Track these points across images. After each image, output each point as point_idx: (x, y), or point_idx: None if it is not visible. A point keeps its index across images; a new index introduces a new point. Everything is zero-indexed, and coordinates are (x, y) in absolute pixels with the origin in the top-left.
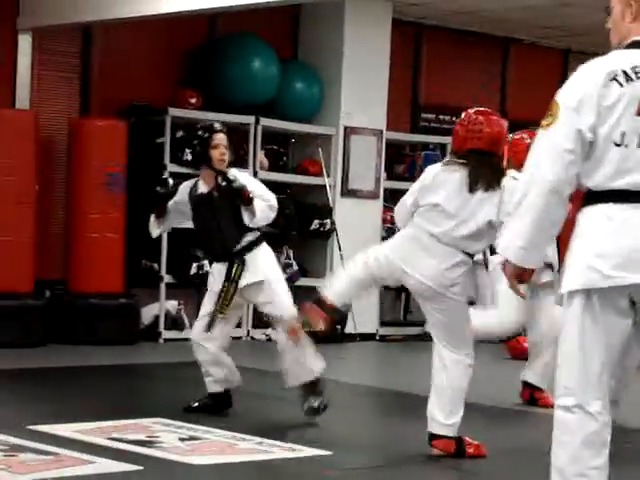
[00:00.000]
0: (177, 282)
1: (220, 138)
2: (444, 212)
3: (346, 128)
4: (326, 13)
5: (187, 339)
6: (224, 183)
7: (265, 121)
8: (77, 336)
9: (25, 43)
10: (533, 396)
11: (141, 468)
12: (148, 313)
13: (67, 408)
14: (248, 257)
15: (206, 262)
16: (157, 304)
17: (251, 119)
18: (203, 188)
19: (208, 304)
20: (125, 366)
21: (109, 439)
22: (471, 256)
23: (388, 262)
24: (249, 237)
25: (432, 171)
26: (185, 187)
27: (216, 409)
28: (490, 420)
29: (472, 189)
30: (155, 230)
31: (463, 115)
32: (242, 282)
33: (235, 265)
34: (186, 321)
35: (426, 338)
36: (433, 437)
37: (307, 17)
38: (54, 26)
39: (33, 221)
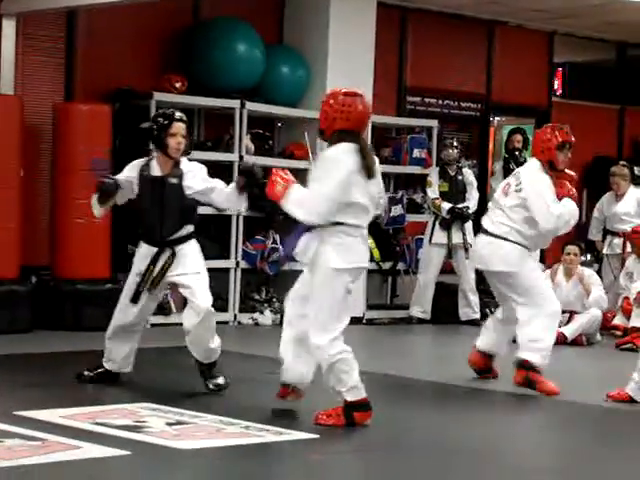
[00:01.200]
0: None
1: (179, 127)
2: None
3: None
4: None
5: (174, 324)
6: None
7: (250, 105)
8: (63, 322)
9: (9, 28)
10: None
11: (128, 453)
12: None
13: (54, 394)
14: (178, 249)
15: None
16: None
17: (236, 103)
18: (157, 171)
19: (132, 284)
20: None
21: (96, 424)
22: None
23: None
24: (185, 230)
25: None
26: (136, 165)
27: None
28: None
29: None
30: (99, 211)
31: (330, 95)
32: (171, 272)
33: (167, 254)
34: (173, 306)
35: (411, 321)
36: None
37: (292, 1)
38: (38, 11)
39: (18, 207)
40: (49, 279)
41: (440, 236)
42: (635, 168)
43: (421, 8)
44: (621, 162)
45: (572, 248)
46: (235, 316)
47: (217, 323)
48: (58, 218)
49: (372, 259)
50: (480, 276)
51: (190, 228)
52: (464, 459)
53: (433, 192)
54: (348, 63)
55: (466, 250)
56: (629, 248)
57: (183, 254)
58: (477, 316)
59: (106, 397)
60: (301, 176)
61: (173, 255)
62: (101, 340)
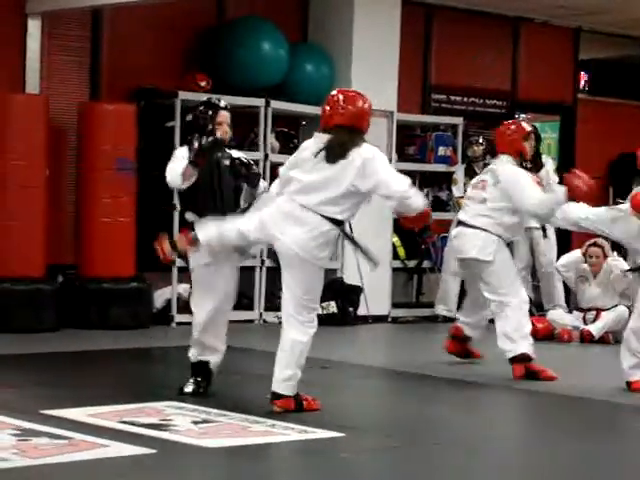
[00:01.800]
0: (188, 266)
1: (225, 115)
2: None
3: None
4: None
5: None
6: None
7: (275, 103)
8: (89, 321)
9: (34, 28)
10: None
11: (154, 451)
12: (160, 297)
13: (80, 392)
14: None
15: None
16: (169, 288)
17: (261, 102)
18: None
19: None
20: (137, 350)
21: (122, 423)
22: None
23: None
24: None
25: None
26: (184, 154)
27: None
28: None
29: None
30: (184, 181)
31: (329, 96)
32: None
33: None
34: None
35: (437, 319)
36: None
37: None
38: (63, 10)
39: (44, 206)
40: (75, 278)
41: None
42: None
43: (446, 5)
44: None
45: (595, 251)
46: (261, 314)
47: (243, 322)
48: (83, 217)
49: (397, 257)
50: None
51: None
52: (490, 457)
53: (458, 190)
54: (372, 61)
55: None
56: None
57: None
58: None
59: (132, 396)
60: None
61: None
62: (126, 338)
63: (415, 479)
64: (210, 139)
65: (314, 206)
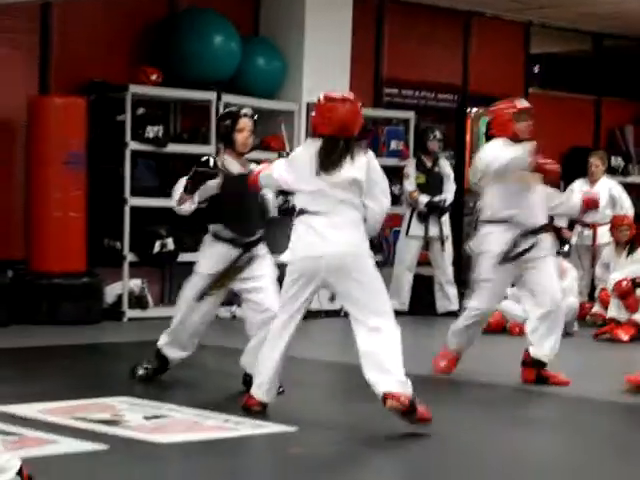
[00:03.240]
0: (140, 260)
1: (245, 122)
2: None
3: (308, 104)
4: None
5: (151, 318)
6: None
7: (227, 97)
8: (40, 316)
9: None
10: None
11: (106, 447)
12: (111, 292)
13: (30, 388)
14: (256, 250)
15: (169, 240)
16: (120, 283)
17: (212, 95)
18: (235, 168)
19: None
20: (89, 345)
21: (73, 419)
22: None
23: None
24: (261, 230)
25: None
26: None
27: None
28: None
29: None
30: (186, 207)
31: (317, 100)
32: (248, 273)
33: (248, 255)
34: (150, 299)
35: None
36: None
37: None
38: (11, 3)
39: None
40: (25, 273)
41: (417, 228)
42: (612, 158)
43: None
44: (599, 151)
45: None
46: None
47: None
48: (34, 212)
49: None
50: (458, 268)
51: (263, 230)
52: (437, 450)
53: (410, 184)
54: (324, 55)
55: (442, 242)
56: (600, 239)
57: (261, 255)
58: (455, 308)
59: (83, 391)
60: None
61: (252, 258)
62: (77, 334)
63: (366, 474)
64: (201, 164)
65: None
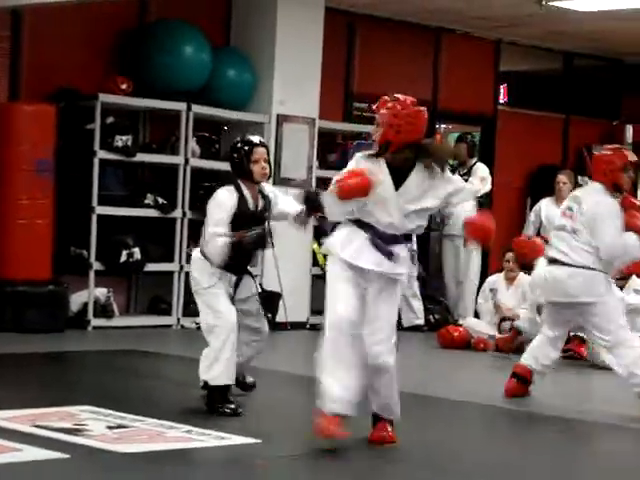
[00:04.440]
0: (106, 269)
1: (261, 152)
2: None
3: (279, 116)
4: (259, 0)
5: (116, 327)
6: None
7: (197, 108)
8: (4, 324)
9: None
10: None
11: (68, 456)
12: (77, 300)
13: None
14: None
15: (136, 249)
16: (86, 291)
17: (183, 106)
18: (250, 201)
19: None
20: (53, 354)
21: (35, 427)
22: None
23: None
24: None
25: None
26: (232, 194)
27: None
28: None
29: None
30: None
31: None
32: (243, 293)
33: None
34: (115, 309)
35: None
36: None
37: (240, 4)
38: None
39: None
40: None
41: None
42: (579, 177)
43: (369, 14)
44: (566, 170)
45: (511, 255)
46: (178, 320)
47: (160, 327)
48: (0, 219)
49: (317, 264)
50: (423, 281)
51: None
52: (407, 462)
53: None
54: (295, 67)
55: (412, 257)
56: None
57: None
58: (420, 322)
59: (46, 400)
60: None
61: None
62: (42, 341)
63: None
64: (255, 236)
65: None
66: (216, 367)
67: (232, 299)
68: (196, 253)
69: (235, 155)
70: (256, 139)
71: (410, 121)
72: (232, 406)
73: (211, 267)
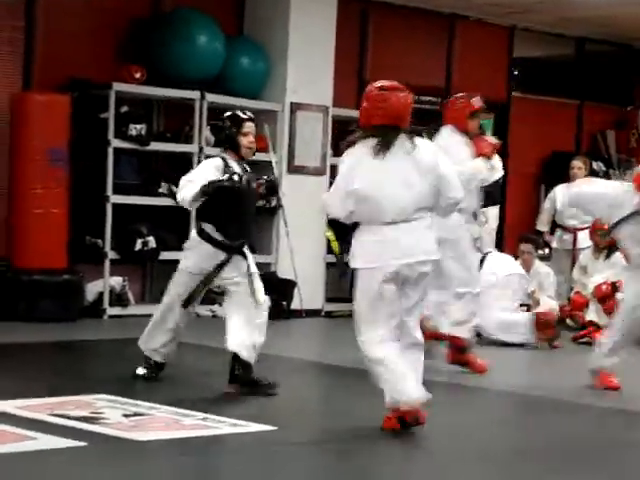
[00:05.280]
0: (121, 258)
1: (250, 126)
2: None
3: (292, 104)
4: None
5: (131, 315)
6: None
7: (210, 96)
8: (20, 313)
9: None
10: None
11: (85, 444)
12: (92, 289)
13: (10, 385)
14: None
15: (151, 238)
16: (101, 280)
17: (196, 94)
18: (236, 170)
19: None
20: (69, 343)
21: (52, 415)
22: None
23: None
24: (251, 234)
25: None
26: (218, 166)
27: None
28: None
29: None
30: (194, 203)
31: (367, 90)
32: (228, 272)
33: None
34: (130, 297)
35: None
36: None
37: None
38: None
39: None
40: (6, 270)
41: None
42: (593, 163)
43: (382, 1)
44: (581, 156)
45: (526, 247)
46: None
47: None
48: (15, 208)
49: (331, 252)
50: None
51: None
52: (428, 451)
53: None
54: (308, 56)
55: None
56: (580, 244)
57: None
58: None
59: (62, 389)
60: (261, 168)
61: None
62: (57, 330)
63: (347, 474)
64: (230, 179)
65: None
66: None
67: (210, 278)
68: (194, 234)
69: (225, 126)
70: (247, 114)
71: (376, 105)
72: None
73: (205, 249)
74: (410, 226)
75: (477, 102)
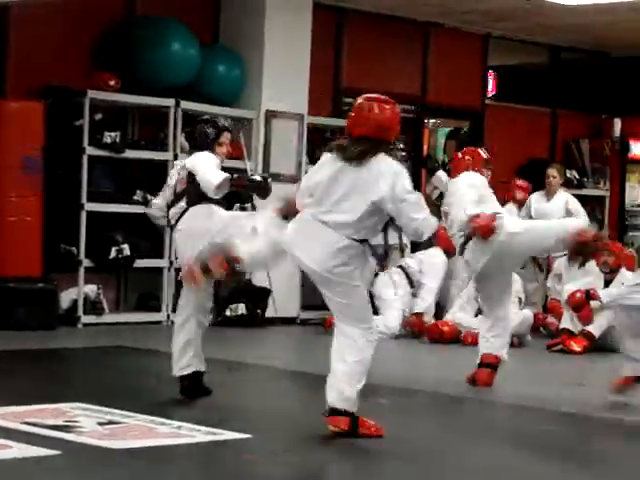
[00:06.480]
0: (96, 266)
1: (227, 136)
2: None
3: (267, 112)
4: None
5: (106, 323)
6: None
7: (185, 104)
8: None
9: None
10: None
11: (59, 453)
12: (67, 297)
13: None
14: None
15: (125, 246)
16: (76, 288)
17: (171, 102)
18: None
19: None
20: (43, 351)
21: (25, 424)
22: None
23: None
24: None
25: None
26: (218, 162)
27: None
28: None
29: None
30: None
31: (357, 101)
32: None
33: None
34: (105, 305)
35: None
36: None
37: (228, 0)
38: None
39: None
40: None
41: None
42: (567, 171)
43: (357, 9)
44: (556, 163)
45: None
46: (168, 316)
47: (150, 323)
48: None
49: None
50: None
51: None
52: (403, 461)
53: None
54: (284, 63)
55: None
56: None
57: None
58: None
59: (37, 397)
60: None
61: None
62: (32, 339)
63: None
64: (260, 180)
65: None
66: None
67: None
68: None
69: (203, 133)
70: (226, 124)
71: (359, 114)
72: None
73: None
74: None
75: None
